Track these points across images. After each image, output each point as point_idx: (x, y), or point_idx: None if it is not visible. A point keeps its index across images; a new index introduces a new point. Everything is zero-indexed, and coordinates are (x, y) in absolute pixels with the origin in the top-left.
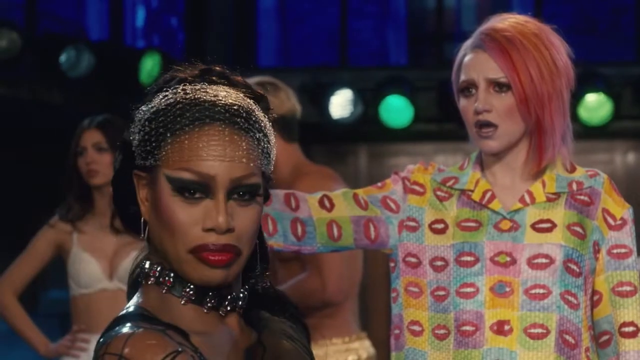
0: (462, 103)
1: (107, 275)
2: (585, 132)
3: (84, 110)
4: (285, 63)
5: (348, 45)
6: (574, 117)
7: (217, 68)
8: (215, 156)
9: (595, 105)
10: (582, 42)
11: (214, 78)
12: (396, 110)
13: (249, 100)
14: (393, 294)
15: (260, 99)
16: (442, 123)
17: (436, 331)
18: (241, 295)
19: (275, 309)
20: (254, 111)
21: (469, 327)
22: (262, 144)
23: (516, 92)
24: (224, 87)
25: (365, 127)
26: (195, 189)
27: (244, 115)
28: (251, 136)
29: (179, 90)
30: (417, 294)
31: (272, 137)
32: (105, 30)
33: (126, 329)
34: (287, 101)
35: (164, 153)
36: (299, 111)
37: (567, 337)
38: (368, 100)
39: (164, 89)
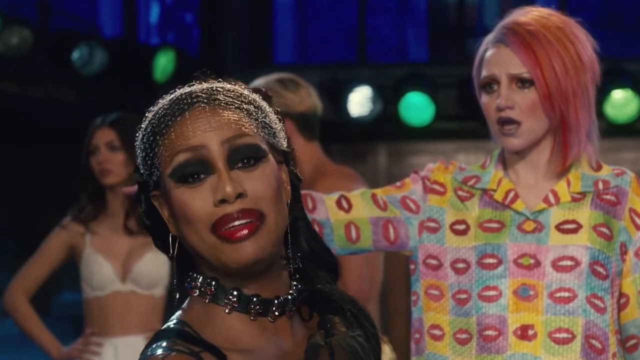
0: (484, 99)
1: (120, 277)
2: (612, 130)
3: (97, 108)
4: (302, 60)
5: (367, 41)
6: (600, 114)
7: (212, 77)
8: (201, 130)
9: (622, 103)
10: (608, 37)
11: (202, 80)
12: (416, 107)
13: (235, 84)
14: (413, 297)
15: (258, 92)
16: (464, 121)
17: (458, 336)
18: (289, 297)
19: (347, 320)
20: (237, 89)
21: (491, 331)
22: (254, 114)
23: (539, 87)
24: (210, 82)
25: (385, 125)
26: (195, 170)
27: (224, 92)
28: (237, 107)
29: (160, 100)
30: (438, 297)
31: (272, 114)
32: (118, 26)
33: (160, 350)
34: (308, 99)
35: (160, 157)
36: (319, 109)
37: (593, 342)
38: (387, 97)
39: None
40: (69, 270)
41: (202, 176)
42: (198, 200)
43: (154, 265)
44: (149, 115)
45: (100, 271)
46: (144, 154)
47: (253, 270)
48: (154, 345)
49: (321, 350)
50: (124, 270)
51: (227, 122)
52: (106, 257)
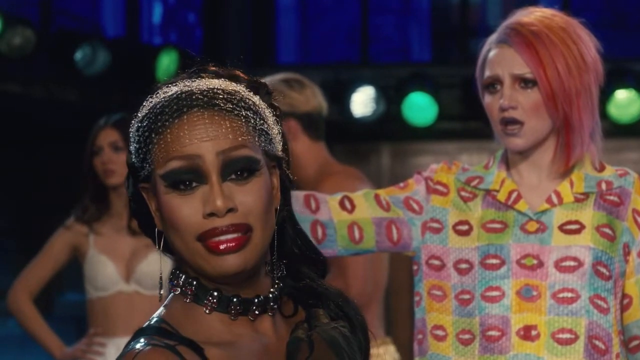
0: (487, 100)
1: (123, 278)
2: (615, 130)
3: (99, 109)
4: (305, 60)
5: (369, 41)
6: (604, 114)
7: (212, 67)
8: (197, 139)
9: (626, 103)
10: (612, 37)
11: (203, 74)
12: (419, 108)
13: (237, 85)
14: (416, 298)
15: (259, 88)
16: (467, 121)
17: (460, 336)
18: (270, 296)
19: (332, 312)
20: (238, 92)
21: (494, 332)
22: (253, 121)
23: (542, 88)
24: (210, 79)
25: (388, 125)
26: (188, 178)
27: (224, 96)
28: (235, 114)
29: (159, 92)
30: (441, 298)
31: (270, 118)
32: (121, 26)
33: (139, 345)
34: (313, 98)
35: (153, 155)
36: (325, 109)
37: (596, 342)
38: (390, 97)
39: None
40: (71, 271)
41: (194, 184)
42: (187, 209)
43: (158, 266)
44: (147, 105)
45: (104, 272)
46: (137, 146)
47: (235, 280)
48: (131, 343)
49: (302, 344)
50: (127, 270)
51: (224, 132)
52: (110, 257)
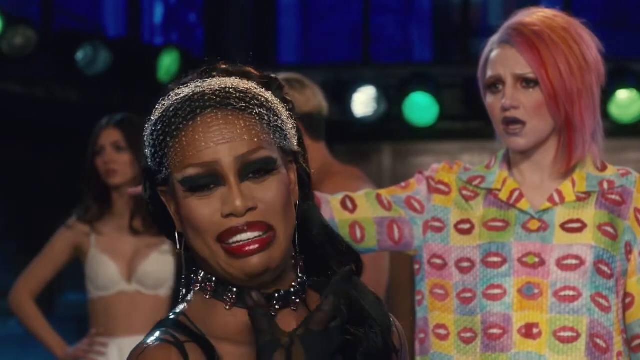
0: (489, 100)
1: (125, 277)
2: (617, 130)
3: (100, 109)
4: (306, 60)
5: (371, 41)
6: (605, 114)
7: (223, 65)
8: (214, 142)
9: (627, 102)
10: (613, 37)
11: (214, 73)
12: (421, 107)
13: (248, 82)
14: (418, 297)
15: (270, 84)
16: (468, 121)
17: (462, 335)
18: (291, 290)
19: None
20: (250, 90)
21: (496, 330)
22: (267, 118)
23: (544, 88)
24: (222, 77)
25: (389, 125)
26: (206, 182)
27: (237, 95)
28: (249, 113)
29: (172, 94)
30: (443, 297)
31: (284, 113)
32: (122, 26)
33: (151, 338)
34: (314, 98)
35: (170, 158)
36: (325, 109)
37: (598, 341)
38: (392, 97)
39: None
40: (73, 270)
41: (212, 186)
42: (206, 210)
43: (160, 266)
44: (160, 108)
45: (106, 271)
46: (152, 150)
47: (260, 280)
48: (148, 335)
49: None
50: (129, 270)
51: (239, 132)
52: (111, 257)
